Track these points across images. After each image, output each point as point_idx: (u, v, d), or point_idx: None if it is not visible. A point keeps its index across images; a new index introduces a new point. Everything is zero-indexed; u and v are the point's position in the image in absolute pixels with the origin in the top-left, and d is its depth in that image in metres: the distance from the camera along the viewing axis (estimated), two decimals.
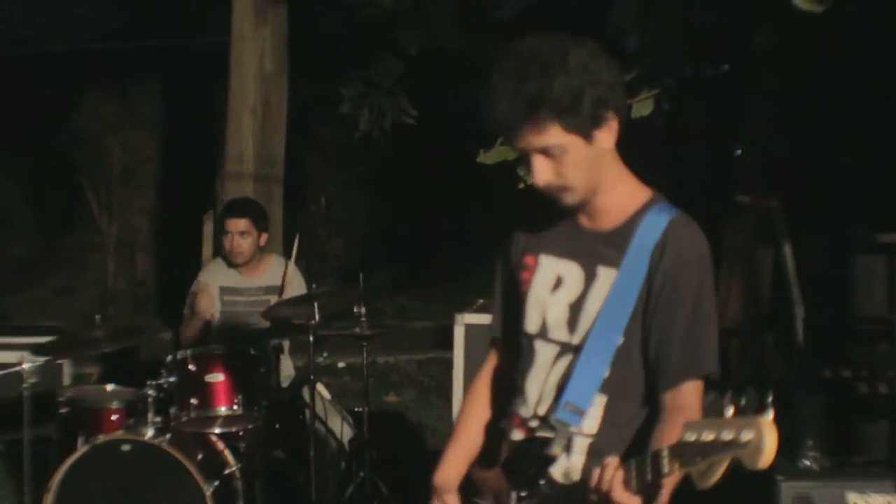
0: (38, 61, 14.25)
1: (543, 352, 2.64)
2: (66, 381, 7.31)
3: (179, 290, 6.15)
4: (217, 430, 5.20)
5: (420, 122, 9.32)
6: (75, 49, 13.97)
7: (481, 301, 6.02)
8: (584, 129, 2.45)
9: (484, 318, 5.76)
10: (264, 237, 6.02)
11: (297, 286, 5.96)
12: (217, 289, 6.01)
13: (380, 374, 9.17)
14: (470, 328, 5.77)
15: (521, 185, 5.52)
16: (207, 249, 5.97)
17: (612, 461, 2.28)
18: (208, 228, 5.99)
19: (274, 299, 5.90)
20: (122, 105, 12.81)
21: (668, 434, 2.31)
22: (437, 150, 12.42)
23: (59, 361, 6.67)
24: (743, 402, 2.07)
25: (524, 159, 2.51)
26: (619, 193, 2.59)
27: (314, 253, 6.30)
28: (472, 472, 2.81)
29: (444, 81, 10.95)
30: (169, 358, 5.18)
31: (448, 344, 9.89)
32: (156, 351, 7.24)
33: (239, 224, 5.89)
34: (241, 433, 5.26)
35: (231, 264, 5.99)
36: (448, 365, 9.70)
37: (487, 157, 5.64)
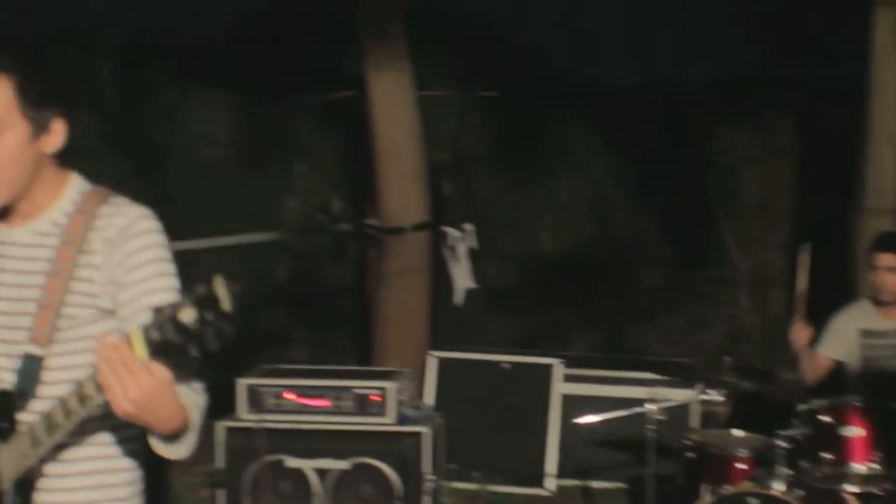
0: (675, 95, 14.46)
1: None
2: (693, 419, 7.17)
3: (813, 324, 5.77)
4: (852, 489, 4.80)
5: None
6: (711, 81, 14.01)
7: None
8: None
9: None
10: None
11: None
12: (856, 331, 5.58)
13: None
14: None
15: None
16: (802, 282, 5.62)
17: None
18: (804, 260, 5.63)
19: None
20: (757, 136, 12.58)
21: None
22: None
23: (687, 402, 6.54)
24: None
25: None
26: None
27: None
28: None
29: None
30: (801, 407, 4.84)
31: None
32: (789, 395, 6.89)
33: (888, 259, 5.42)
34: (879, 494, 4.81)
35: (877, 303, 5.54)
36: None
37: None
